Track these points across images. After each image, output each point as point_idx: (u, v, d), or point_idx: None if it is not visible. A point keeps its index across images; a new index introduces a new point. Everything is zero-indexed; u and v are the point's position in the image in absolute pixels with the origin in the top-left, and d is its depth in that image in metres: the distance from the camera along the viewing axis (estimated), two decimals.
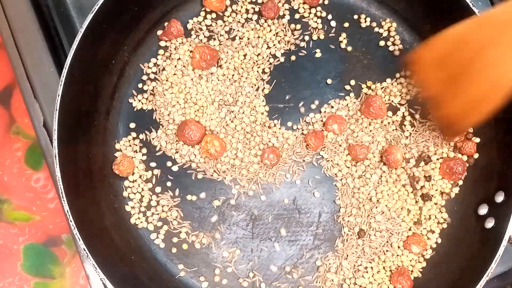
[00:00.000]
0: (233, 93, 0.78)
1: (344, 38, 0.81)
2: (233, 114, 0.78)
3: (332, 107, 0.79)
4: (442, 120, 0.70)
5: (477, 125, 0.69)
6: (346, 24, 0.81)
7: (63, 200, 0.67)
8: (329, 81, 0.80)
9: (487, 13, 0.61)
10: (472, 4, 0.71)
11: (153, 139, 0.77)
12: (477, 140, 0.76)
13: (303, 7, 0.81)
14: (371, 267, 0.75)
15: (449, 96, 0.65)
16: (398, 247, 0.75)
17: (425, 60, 0.67)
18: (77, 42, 0.69)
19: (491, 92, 0.61)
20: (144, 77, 0.79)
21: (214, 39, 0.80)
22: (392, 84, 0.79)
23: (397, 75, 0.80)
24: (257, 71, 0.79)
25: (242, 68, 0.79)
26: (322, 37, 0.81)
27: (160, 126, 0.78)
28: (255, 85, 0.79)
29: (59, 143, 0.67)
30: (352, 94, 0.79)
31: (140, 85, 0.78)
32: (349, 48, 0.81)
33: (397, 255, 0.75)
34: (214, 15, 0.81)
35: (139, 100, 0.78)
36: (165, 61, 0.79)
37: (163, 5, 0.79)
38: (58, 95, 0.68)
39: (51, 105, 0.70)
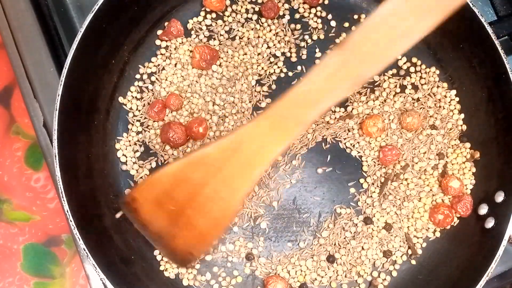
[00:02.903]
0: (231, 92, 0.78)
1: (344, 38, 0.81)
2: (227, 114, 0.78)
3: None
4: (172, 253, 0.69)
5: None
6: (346, 24, 0.81)
7: (63, 200, 0.67)
8: None
9: (199, 153, 0.63)
10: (472, 4, 0.71)
11: (147, 139, 0.77)
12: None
13: (303, 7, 0.81)
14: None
15: (176, 230, 0.66)
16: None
17: (143, 200, 0.67)
18: (77, 42, 0.69)
19: (216, 222, 0.64)
20: (144, 76, 0.79)
21: (214, 39, 0.80)
22: (390, 82, 0.79)
23: (395, 71, 0.80)
24: (257, 70, 0.79)
25: (242, 67, 0.79)
26: (322, 37, 0.81)
27: (152, 126, 0.78)
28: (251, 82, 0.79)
29: (59, 143, 0.67)
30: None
31: (140, 84, 0.78)
32: None
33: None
34: (214, 15, 0.81)
35: (129, 100, 0.78)
36: (165, 60, 0.79)
37: (163, 5, 0.79)
38: (58, 95, 0.68)
39: (51, 105, 0.70)
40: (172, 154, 0.77)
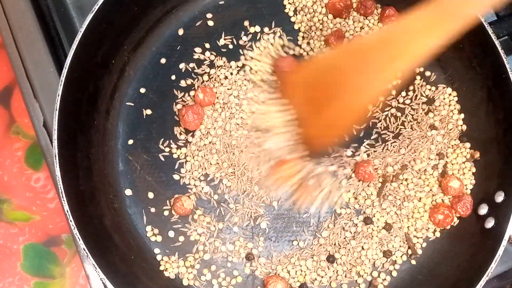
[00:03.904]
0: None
1: None
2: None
3: None
4: (304, 138, 0.72)
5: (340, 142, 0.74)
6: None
7: (63, 200, 0.67)
8: None
9: (357, 41, 0.65)
10: None
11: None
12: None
13: None
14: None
15: (310, 117, 0.68)
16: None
17: (297, 81, 0.70)
18: (77, 42, 0.69)
19: (343, 116, 0.65)
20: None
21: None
22: None
23: None
24: None
25: None
26: None
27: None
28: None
29: (59, 143, 0.67)
30: None
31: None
32: None
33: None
34: None
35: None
36: None
37: (163, 5, 0.79)
38: (58, 95, 0.68)
39: (51, 105, 0.70)
40: None
